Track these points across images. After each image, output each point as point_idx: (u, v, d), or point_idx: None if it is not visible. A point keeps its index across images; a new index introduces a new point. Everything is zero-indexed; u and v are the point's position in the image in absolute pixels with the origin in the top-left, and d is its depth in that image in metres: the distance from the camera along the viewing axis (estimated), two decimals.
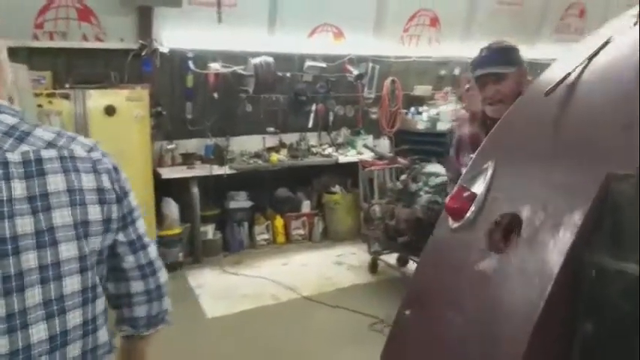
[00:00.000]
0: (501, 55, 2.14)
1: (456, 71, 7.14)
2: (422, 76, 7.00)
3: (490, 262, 1.29)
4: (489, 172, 1.43)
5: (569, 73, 1.38)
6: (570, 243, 1.16)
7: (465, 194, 1.44)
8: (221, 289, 4.68)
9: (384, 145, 6.49)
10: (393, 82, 6.59)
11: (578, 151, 1.25)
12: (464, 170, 2.36)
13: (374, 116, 6.61)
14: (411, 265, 4.75)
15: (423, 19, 6.68)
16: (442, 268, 1.40)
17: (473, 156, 1.65)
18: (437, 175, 4.37)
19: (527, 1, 7.23)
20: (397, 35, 6.61)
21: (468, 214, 1.40)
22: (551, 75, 1.53)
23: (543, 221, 1.23)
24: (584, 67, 1.39)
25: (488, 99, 2.15)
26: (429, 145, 6.19)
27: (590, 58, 1.40)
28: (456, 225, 1.42)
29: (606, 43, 1.40)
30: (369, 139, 6.35)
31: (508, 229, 1.37)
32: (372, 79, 6.38)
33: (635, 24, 1.38)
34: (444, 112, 6.26)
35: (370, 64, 6.34)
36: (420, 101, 6.82)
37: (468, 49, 7.08)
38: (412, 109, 6.70)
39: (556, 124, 1.37)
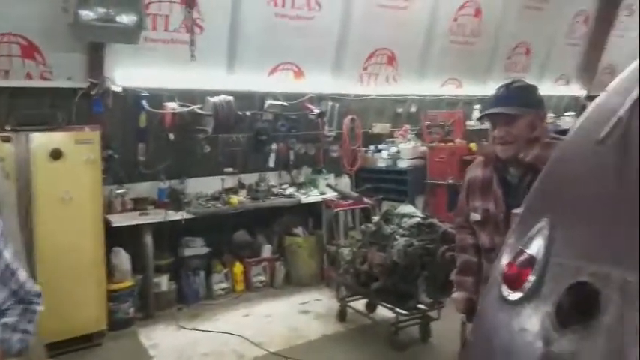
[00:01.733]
0: (517, 96, 2.01)
1: (413, 108, 7.18)
2: (380, 114, 6.98)
3: (566, 344, 1.09)
4: (546, 232, 1.26)
5: (621, 117, 1.25)
6: None
7: (522, 258, 1.26)
8: (179, 349, 4.24)
9: (346, 184, 6.34)
10: (352, 120, 6.51)
11: None
12: (474, 216, 2.23)
13: (335, 155, 6.46)
14: (381, 311, 4.52)
15: (381, 57, 6.69)
16: (502, 350, 1.18)
17: (518, 212, 1.48)
18: (410, 216, 4.24)
19: (478, 40, 7.45)
20: (356, 73, 6.58)
21: (527, 283, 1.23)
22: (596, 118, 1.38)
23: (632, 294, 1.06)
24: (633, 111, 1.26)
25: (498, 139, 2.01)
26: (391, 183, 6.15)
27: (635, 101, 1.27)
28: (514, 296, 1.24)
29: None
30: (331, 178, 6.18)
31: (583, 303, 1.19)
32: (332, 118, 6.28)
33: None
34: (404, 150, 6.22)
35: (330, 103, 6.25)
36: (378, 139, 6.77)
37: (423, 86, 7.22)
38: (372, 147, 6.63)
39: (625, 177, 1.21)
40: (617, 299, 1.04)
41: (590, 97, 9.33)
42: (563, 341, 1.09)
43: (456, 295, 2.26)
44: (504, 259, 1.29)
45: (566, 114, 8.41)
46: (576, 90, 9.48)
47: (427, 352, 4.06)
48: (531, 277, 1.18)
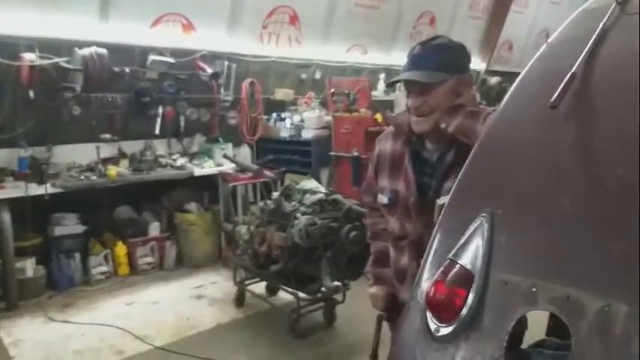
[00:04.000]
0: (436, 57, 1.59)
1: (317, 75, 6.76)
2: (282, 79, 6.48)
3: None
4: (485, 234, 0.89)
5: (574, 74, 0.88)
6: None
7: (453, 273, 0.88)
8: (46, 346, 3.60)
9: (245, 154, 5.83)
10: (252, 84, 5.96)
11: None
12: (381, 197, 1.74)
13: (232, 122, 5.89)
14: (283, 294, 4.17)
15: (282, 15, 6.15)
16: None
17: (442, 202, 1.10)
18: (312, 192, 3.86)
19: (383, 5, 7.15)
20: (255, 31, 5.98)
21: (463, 311, 0.85)
22: (540, 76, 1.05)
23: (615, 328, 0.72)
24: (588, 67, 0.93)
25: (413, 109, 1.62)
26: (294, 154, 5.77)
27: (590, 54, 0.95)
28: (444, 330, 0.84)
29: (602, 34, 0.96)
30: (229, 148, 5.62)
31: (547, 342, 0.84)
32: (228, 80, 5.67)
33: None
34: (308, 119, 5.81)
35: (226, 63, 5.63)
36: (281, 106, 6.30)
37: (328, 50, 6.81)
38: (274, 114, 6.14)
39: (589, 152, 0.87)
40: (595, 340, 0.69)
41: (490, 71, 9.57)
42: None
43: (375, 290, 1.90)
44: (427, 275, 0.91)
45: None
46: (477, 63, 9.62)
47: (332, 338, 3.76)
48: (468, 302, 0.81)
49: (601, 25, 0.94)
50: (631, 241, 0.71)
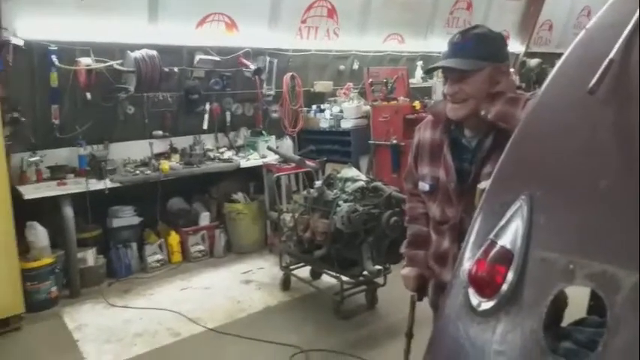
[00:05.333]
0: (474, 46, 1.65)
1: (355, 65, 6.85)
2: (321, 71, 6.61)
3: None
4: (525, 215, 0.96)
5: (612, 60, 0.92)
6: None
7: (494, 252, 1.00)
8: (107, 330, 3.87)
9: (288, 145, 6.00)
10: (292, 77, 6.12)
11: None
12: (422, 185, 1.86)
13: (275, 115, 6.07)
14: (326, 278, 4.34)
15: (321, 9, 6.27)
16: None
17: (483, 186, 1.20)
18: (353, 180, 3.98)
19: None
20: (294, 26, 6.13)
21: (504, 287, 0.96)
22: (580, 62, 1.05)
23: None
24: (627, 52, 0.93)
25: (449, 96, 1.71)
26: (335, 144, 5.91)
27: (628, 39, 0.93)
28: (486, 304, 0.94)
29: None
30: (272, 140, 5.82)
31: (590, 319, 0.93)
32: (270, 75, 5.84)
33: None
34: (347, 109, 5.93)
35: (268, 58, 5.80)
36: (320, 98, 6.43)
37: (365, 41, 6.88)
38: (314, 106, 6.28)
39: (627, 137, 0.86)
40: (630, 311, 0.75)
41: (529, 54, 9.36)
42: None
43: (407, 271, 2.00)
44: (469, 254, 1.02)
45: None
46: (516, 46, 9.44)
47: (374, 319, 3.91)
48: (508, 279, 0.93)
49: (639, 9, 0.94)
50: None
